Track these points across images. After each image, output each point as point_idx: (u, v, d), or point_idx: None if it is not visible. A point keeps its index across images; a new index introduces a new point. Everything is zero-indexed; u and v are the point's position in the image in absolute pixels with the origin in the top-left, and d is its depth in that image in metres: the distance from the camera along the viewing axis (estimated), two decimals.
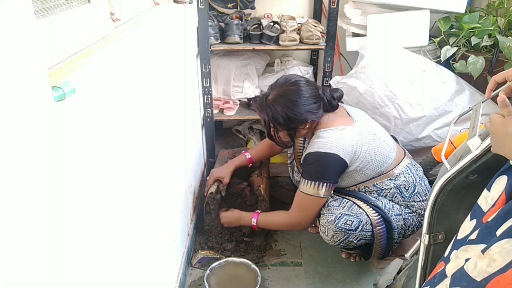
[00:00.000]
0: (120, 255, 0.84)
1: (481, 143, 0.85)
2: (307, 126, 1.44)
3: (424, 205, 1.49)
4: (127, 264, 0.89)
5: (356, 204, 1.44)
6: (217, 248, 1.64)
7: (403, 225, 1.48)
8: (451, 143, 1.52)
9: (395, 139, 1.61)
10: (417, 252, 1.13)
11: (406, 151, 1.59)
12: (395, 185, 1.47)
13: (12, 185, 0.45)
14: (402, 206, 1.50)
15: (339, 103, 1.53)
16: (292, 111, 1.38)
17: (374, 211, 1.43)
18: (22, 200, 0.48)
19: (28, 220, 0.49)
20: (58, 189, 0.57)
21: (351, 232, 1.40)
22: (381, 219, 1.42)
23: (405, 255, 1.21)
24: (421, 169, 1.57)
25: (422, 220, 1.48)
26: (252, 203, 1.77)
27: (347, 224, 1.39)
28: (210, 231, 1.69)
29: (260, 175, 1.82)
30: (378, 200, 1.48)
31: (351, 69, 2.07)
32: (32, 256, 0.50)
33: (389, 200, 1.50)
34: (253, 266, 1.52)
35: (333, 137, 1.39)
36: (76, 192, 0.63)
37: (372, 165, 1.43)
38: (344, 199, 1.47)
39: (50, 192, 0.54)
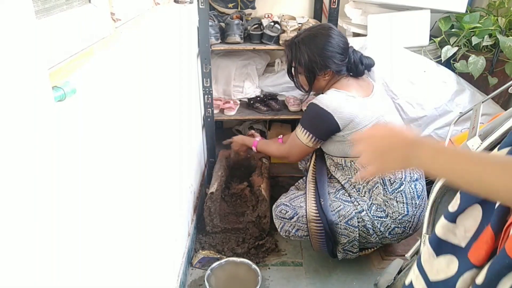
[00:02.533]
0: (120, 255, 0.84)
1: (481, 143, 0.85)
2: (326, 77, 1.46)
3: (405, 210, 1.42)
4: (127, 264, 0.89)
5: (307, 196, 1.49)
6: (219, 247, 1.65)
7: (357, 236, 1.45)
8: (451, 143, 1.52)
9: None
10: (417, 252, 1.13)
11: None
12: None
13: (12, 185, 0.45)
14: (374, 207, 1.43)
15: (372, 81, 1.54)
16: (315, 52, 1.40)
17: (315, 212, 1.43)
18: (22, 200, 0.48)
19: (27, 221, 0.49)
20: (58, 189, 0.57)
21: (286, 220, 1.48)
22: (320, 223, 1.43)
23: (406, 255, 1.21)
24: (420, 172, 1.47)
25: (397, 227, 1.44)
26: (253, 203, 1.77)
27: (281, 212, 1.50)
28: (211, 231, 1.69)
29: (261, 175, 1.83)
30: (339, 201, 1.46)
31: None
32: (31, 257, 0.50)
33: (368, 191, 1.44)
34: (254, 266, 1.52)
35: (336, 99, 1.40)
36: (76, 192, 0.63)
37: None
38: (294, 190, 1.58)
39: (50, 192, 0.54)
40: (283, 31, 1.90)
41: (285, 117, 2.06)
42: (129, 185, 0.90)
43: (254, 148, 1.70)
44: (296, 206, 1.48)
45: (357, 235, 1.45)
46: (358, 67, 1.46)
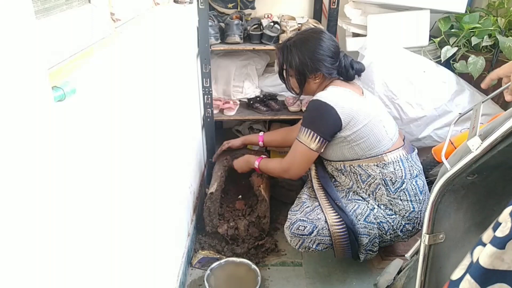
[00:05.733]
0: (120, 255, 0.84)
1: (481, 143, 0.85)
2: (317, 80, 1.48)
3: (411, 206, 1.44)
4: (127, 264, 0.89)
5: (321, 206, 1.44)
6: (219, 247, 1.65)
7: (377, 233, 1.44)
8: (451, 143, 1.52)
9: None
10: (417, 252, 1.12)
11: (409, 146, 1.52)
12: (381, 174, 1.42)
13: (12, 186, 0.45)
14: (382, 207, 1.45)
15: (359, 84, 1.56)
16: (305, 55, 1.43)
17: (336, 216, 1.41)
18: (22, 201, 0.48)
19: (27, 221, 0.49)
20: (58, 189, 0.57)
21: (305, 236, 1.41)
22: (342, 225, 1.40)
23: (405, 255, 1.21)
24: (419, 167, 1.49)
25: (407, 223, 1.46)
26: (252, 204, 1.77)
27: (299, 229, 1.41)
28: (211, 231, 1.69)
29: (260, 175, 1.83)
30: (352, 202, 1.46)
31: None
32: (31, 257, 0.50)
33: (371, 193, 1.45)
34: (253, 266, 1.52)
35: (338, 93, 1.42)
36: (76, 193, 0.63)
37: (363, 143, 1.41)
38: (307, 202, 1.49)
39: (50, 192, 0.54)
40: (283, 31, 1.90)
41: (284, 117, 2.06)
42: (128, 185, 0.90)
43: (257, 163, 1.67)
44: (314, 219, 1.42)
45: (377, 232, 1.44)
46: (348, 71, 1.49)
